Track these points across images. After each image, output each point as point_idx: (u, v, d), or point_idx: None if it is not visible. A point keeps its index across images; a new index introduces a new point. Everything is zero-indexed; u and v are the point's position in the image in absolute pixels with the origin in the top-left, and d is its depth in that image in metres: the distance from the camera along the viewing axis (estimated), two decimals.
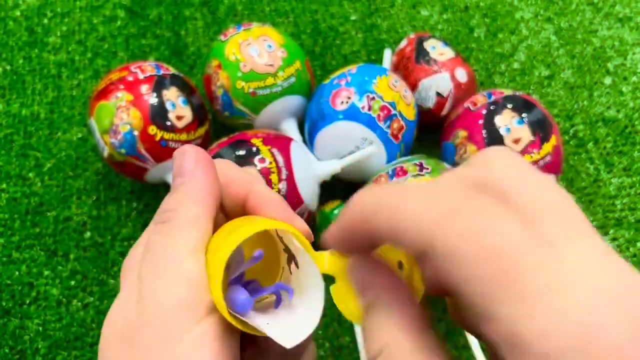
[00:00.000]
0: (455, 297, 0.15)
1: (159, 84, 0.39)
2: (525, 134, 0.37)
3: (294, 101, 0.42)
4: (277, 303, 0.19)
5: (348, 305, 0.19)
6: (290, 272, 0.20)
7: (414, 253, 0.16)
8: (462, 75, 0.43)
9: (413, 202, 0.16)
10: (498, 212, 0.15)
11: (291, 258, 0.19)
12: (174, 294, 0.17)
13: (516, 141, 0.37)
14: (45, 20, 0.52)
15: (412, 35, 0.46)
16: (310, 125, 0.41)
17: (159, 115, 0.38)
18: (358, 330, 0.38)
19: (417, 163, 0.37)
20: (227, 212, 0.21)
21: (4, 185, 0.44)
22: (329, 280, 0.19)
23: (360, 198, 0.17)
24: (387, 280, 0.18)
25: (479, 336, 0.15)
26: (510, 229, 0.14)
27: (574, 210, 0.15)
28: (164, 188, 0.43)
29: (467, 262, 0.14)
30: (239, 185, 0.21)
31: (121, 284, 0.20)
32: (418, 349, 0.16)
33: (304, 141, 0.42)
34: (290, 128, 0.42)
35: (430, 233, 0.15)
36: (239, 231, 0.18)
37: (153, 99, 0.38)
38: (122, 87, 0.38)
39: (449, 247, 0.14)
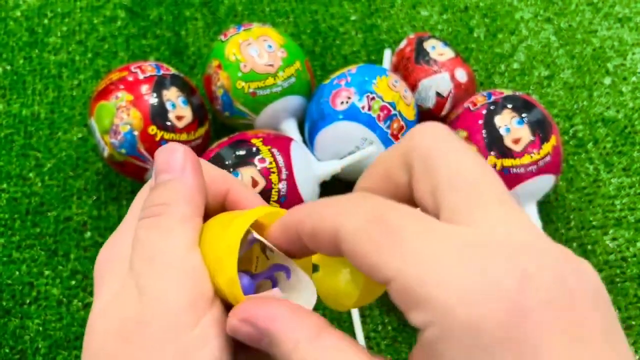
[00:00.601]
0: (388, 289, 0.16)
1: (159, 84, 0.39)
2: (525, 134, 0.37)
3: (294, 101, 0.42)
4: (274, 285, 0.19)
5: (333, 290, 0.19)
6: (267, 258, 0.20)
7: (330, 249, 0.17)
8: (461, 75, 0.43)
9: (325, 207, 0.17)
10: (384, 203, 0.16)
11: (265, 246, 0.20)
12: (177, 290, 0.18)
13: (516, 141, 0.37)
14: (46, 21, 0.52)
15: (412, 36, 0.46)
16: (310, 125, 0.41)
17: (159, 115, 0.38)
18: (356, 319, 0.38)
19: None
20: (206, 209, 0.22)
21: (5, 185, 0.44)
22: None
23: (296, 210, 0.18)
24: None
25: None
26: (389, 207, 0.16)
27: (485, 180, 0.16)
28: None
29: (355, 234, 0.16)
30: (219, 183, 0.22)
31: (103, 276, 0.19)
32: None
33: (304, 141, 0.42)
34: (290, 128, 0.42)
35: (335, 225, 0.16)
36: (242, 218, 0.18)
37: (153, 99, 0.38)
38: (122, 87, 0.38)
39: (347, 229, 0.16)
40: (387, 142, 0.39)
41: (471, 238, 0.15)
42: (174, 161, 0.20)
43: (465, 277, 0.14)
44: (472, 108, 0.40)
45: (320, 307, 0.39)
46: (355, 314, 0.39)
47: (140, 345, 0.17)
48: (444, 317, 0.14)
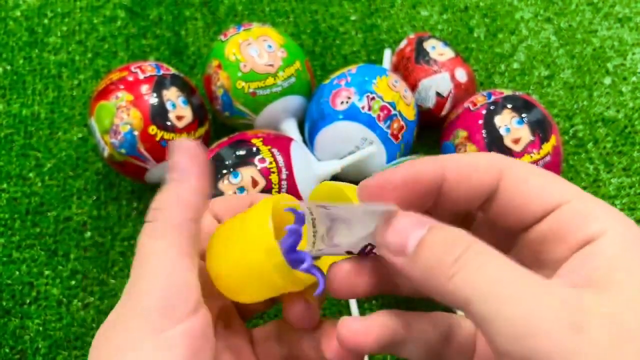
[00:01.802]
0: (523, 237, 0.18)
1: (159, 84, 0.39)
2: (525, 134, 0.37)
3: (294, 101, 0.42)
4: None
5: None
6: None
7: (483, 193, 0.18)
8: (461, 75, 0.43)
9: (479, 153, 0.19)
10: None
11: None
12: (152, 295, 0.18)
13: (516, 141, 0.37)
14: (46, 21, 0.52)
15: (412, 36, 0.46)
16: (310, 125, 0.41)
17: (159, 115, 0.38)
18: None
19: None
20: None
21: (5, 185, 0.44)
22: None
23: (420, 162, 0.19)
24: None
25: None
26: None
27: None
28: None
29: (523, 170, 0.18)
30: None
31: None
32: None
33: (304, 141, 0.42)
34: (290, 128, 0.42)
35: (504, 162, 0.18)
36: (262, 202, 0.19)
37: (153, 99, 0.38)
38: (122, 87, 0.38)
39: (518, 168, 0.18)
40: (387, 142, 0.39)
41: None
42: (181, 160, 0.20)
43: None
44: (472, 108, 0.40)
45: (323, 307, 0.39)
46: (355, 313, 0.39)
47: (107, 349, 0.17)
48: (618, 226, 0.16)
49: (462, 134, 0.39)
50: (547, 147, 0.38)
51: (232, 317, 0.24)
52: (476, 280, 0.15)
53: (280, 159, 0.36)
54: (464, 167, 0.18)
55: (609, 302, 0.15)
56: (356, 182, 0.21)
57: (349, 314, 0.39)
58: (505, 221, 0.18)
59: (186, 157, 0.20)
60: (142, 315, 0.17)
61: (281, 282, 0.19)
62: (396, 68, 0.45)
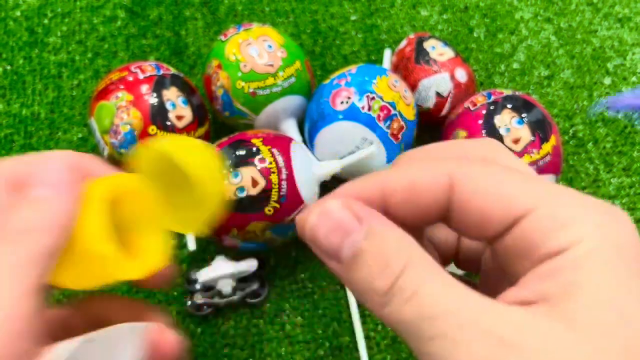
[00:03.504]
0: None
1: (159, 84, 0.39)
2: (525, 134, 0.37)
3: (294, 101, 0.42)
4: None
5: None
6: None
7: (431, 213, 0.16)
8: (461, 75, 0.43)
9: (428, 160, 0.17)
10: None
11: None
12: None
13: (516, 141, 0.37)
14: (46, 21, 0.52)
15: (412, 36, 0.46)
16: (310, 125, 0.41)
17: (159, 115, 0.38)
18: (356, 319, 0.38)
19: None
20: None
21: None
22: None
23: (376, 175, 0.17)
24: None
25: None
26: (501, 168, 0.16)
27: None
28: None
29: (477, 174, 0.16)
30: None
31: None
32: (435, 263, 0.15)
33: (304, 141, 0.42)
34: (290, 128, 0.42)
35: (449, 171, 0.16)
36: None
37: (153, 99, 0.38)
38: (122, 87, 0.38)
39: (466, 172, 0.16)
40: (387, 142, 0.39)
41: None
42: (49, 174, 0.18)
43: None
44: (472, 108, 0.40)
45: (321, 307, 0.39)
46: (355, 314, 0.39)
47: None
48: (591, 237, 0.14)
49: (462, 134, 0.39)
50: (547, 147, 0.38)
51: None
52: (405, 316, 0.14)
53: (280, 159, 0.36)
54: (404, 189, 0.16)
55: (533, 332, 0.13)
56: None
57: (349, 314, 0.39)
58: (469, 235, 0.17)
59: (58, 169, 0.18)
60: None
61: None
62: (396, 68, 0.45)
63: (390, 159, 0.40)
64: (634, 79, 0.49)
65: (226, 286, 0.38)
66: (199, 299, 0.38)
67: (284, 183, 0.36)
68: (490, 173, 0.16)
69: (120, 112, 0.37)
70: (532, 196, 0.15)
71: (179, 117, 0.39)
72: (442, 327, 0.14)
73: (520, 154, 0.37)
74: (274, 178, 0.35)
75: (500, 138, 0.37)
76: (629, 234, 0.14)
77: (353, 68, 0.41)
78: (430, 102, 0.43)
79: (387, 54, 0.49)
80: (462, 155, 0.18)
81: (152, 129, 0.38)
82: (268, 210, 0.35)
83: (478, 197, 0.15)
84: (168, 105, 0.38)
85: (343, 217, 0.16)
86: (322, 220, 0.16)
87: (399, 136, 0.39)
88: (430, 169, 0.16)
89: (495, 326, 0.13)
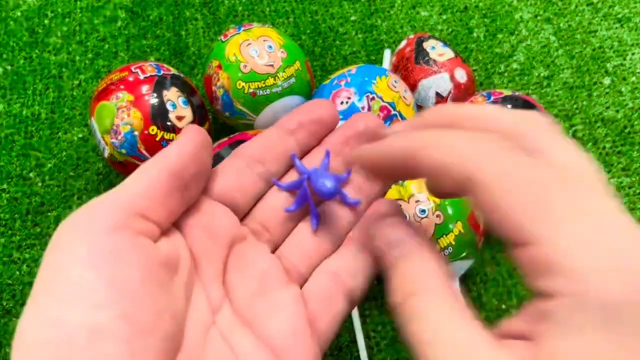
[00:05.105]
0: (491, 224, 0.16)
1: (159, 85, 0.39)
2: None
3: (294, 101, 0.42)
4: None
5: None
6: None
7: (455, 186, 0.17)
8: (461, 75, 0.43)
9: (457, 140, 0.17)
10: (534, 162, 0.16)
11: None
12: None
13: None
14: (46, 21, 0.52)
15: (412, 36, 0.46)
16: None
17: (159, 115, 0.38)
18: (356, 319, 0.38)
19: None
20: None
21: (5, 185, 0.44)
22: None
23: (404, 133, 0.19)
24: (411, 234, 0.20)
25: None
26: (542, 171, 0.16)
27: (597, 173, 0.16)
28: None
29: (496, 185, 0.16)
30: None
31: None
32: (448, 292, 0.17)
33: None
34: None
35: (473, 166, 0.16)
36: None
37: (154, 99, 0.38)
38: (122, 87, 0.38)
39: (488, 178, 0.16)
40: None
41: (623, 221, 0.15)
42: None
43: (613, 259, 0.14)
44: None
45: None
46: (355, 314, 0.39)
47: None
48: (582, 289, 0.14)
49: None
50: None
51: None
52: (406, 335, 0.17)
53: None
54: (435, 165, 0.17)
55: None
56: None
57: (349, 316, 0.39)
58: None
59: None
60: None
61: None
62: (396, 68, 0.45)
63: None
64: (633, 79, 0.49)
65: None
66: None
67: None
68: (514, 184, 0.15)
69: (120, 112, 0.38)
70: (537, 229, 0.15)
71: (180, 118, 0.39)
72: (435, 353, 0.16)
73: None
74: None
75: None
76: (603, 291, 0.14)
77: (353, 68, 0.41)
78: (430, 102, 0.43)
79: (387, 55, 0.49)
80: (511, 139, 0.17)
81: (153, 129, 0.38)
82: None
83: (491, 205, 0.16)
84: (168, 106, 0.38)
85: (392, 235, 0.19)
86: (380, 232, 0.20)
87: None
88: (457, 157, 0.16)
89: None
